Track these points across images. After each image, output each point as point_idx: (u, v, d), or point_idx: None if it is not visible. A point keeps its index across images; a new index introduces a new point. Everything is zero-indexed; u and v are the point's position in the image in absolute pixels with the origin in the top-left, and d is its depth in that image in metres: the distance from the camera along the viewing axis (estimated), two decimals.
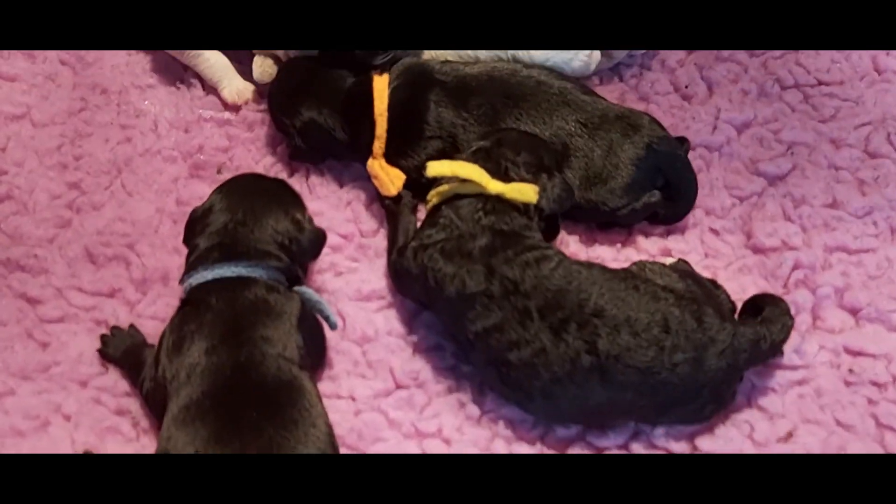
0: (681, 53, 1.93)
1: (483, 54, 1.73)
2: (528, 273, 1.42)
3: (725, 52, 1.93)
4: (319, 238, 1.54)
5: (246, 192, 1.53)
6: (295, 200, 1.56)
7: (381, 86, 1.68)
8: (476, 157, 1.55)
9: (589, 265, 1.47)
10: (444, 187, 1.53)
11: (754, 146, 1.81)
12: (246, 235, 1.47)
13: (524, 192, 1.50)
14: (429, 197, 1.56)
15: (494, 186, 1.49)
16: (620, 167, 1.61)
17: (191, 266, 1.47)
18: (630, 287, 1.42)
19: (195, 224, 1.52)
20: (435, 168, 1.52)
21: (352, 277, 1.66)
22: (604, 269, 1.47)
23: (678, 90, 1.89)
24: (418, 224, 1.63)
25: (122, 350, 1.55)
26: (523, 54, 1.71)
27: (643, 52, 1.90)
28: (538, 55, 1.71)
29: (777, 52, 1.93)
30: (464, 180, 1.50)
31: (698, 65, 1.92)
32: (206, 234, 1.48)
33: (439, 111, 1.67)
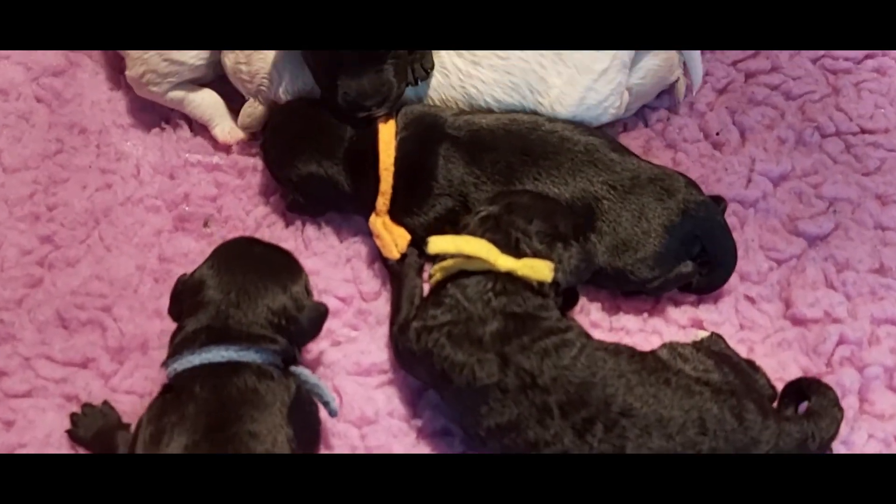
0: (710, 95, 1.77)
1: (497, 105, 1.56)
2: (547, 363, 1.27)
3: (759, 95, 1.77)
4: (320, 316, 1.39)
5: (240, 265, 1.38)
6: (293, 271, 1.41)
7: (386, 136, 1.52)
8: (483, 227, 1.39)
9: (615, 351, 1.31)
10: (447, 262, 1.37)
11: (792, 202, 1.66)
12: (238, 319, 1.32)
13: (537, 269, 1.34)
14: (432, 271, 1.41)
15: (504, 263, 1.33)
16: (652, 234, 1.45)
17: (176, 349, 1.32)
18: (661, 381, 1.27)
19: (183, 297, 1.36)
20: (437, 245, 1.36)
21: (350, 348, 1.51)
22: (631, 354, 1.31)
23: (708, 137, 1.73)
24: (426, 287, 1.47)
25: (93, 431, 1.40)
26: (546, 108, 1.54)
27: (669, 94, 1.75)
28: (563, 111, 1.54)
29: (815, 96, 1.77)
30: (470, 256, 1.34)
31: (730, 108, 1.76)
32: (195, 316, 1.33)
33: (449, 168, 1.51)
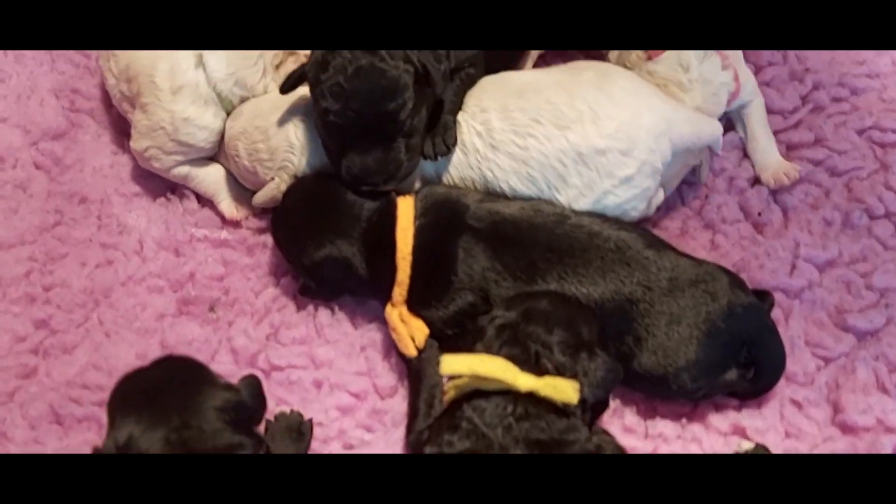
0: (751, 170, 1.66)
1: (513, 194, 1.45)
2: None
3: (803, 171, 1.65)
4: (256, 388, 1.27)
5: (155, 391, 1.22)
6: (200, 365, 1.28)
7: (405, 222, 1.42)
8: (500, 339, 1.28)
9: None
10: (462, 380, 1.26)
11: (840, 292, 1.54)
12: (198, 437, 1.18)
13: (561, 389, 1.23)
14: (446, 388, 1.31)
15: (524, 383, 1.23)
16: (694, 341, 1.34)
17: None
18: None
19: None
20: (450, 366, 1.25)
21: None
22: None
23: (749, 217, 1.62)
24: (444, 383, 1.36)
25: None
26: (575, 205, 1.43)
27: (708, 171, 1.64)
28: (578, 208, 1.43)
29: (863, 172, 1.66)
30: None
31: None
32: None
33: (469, 262, 1.40)
